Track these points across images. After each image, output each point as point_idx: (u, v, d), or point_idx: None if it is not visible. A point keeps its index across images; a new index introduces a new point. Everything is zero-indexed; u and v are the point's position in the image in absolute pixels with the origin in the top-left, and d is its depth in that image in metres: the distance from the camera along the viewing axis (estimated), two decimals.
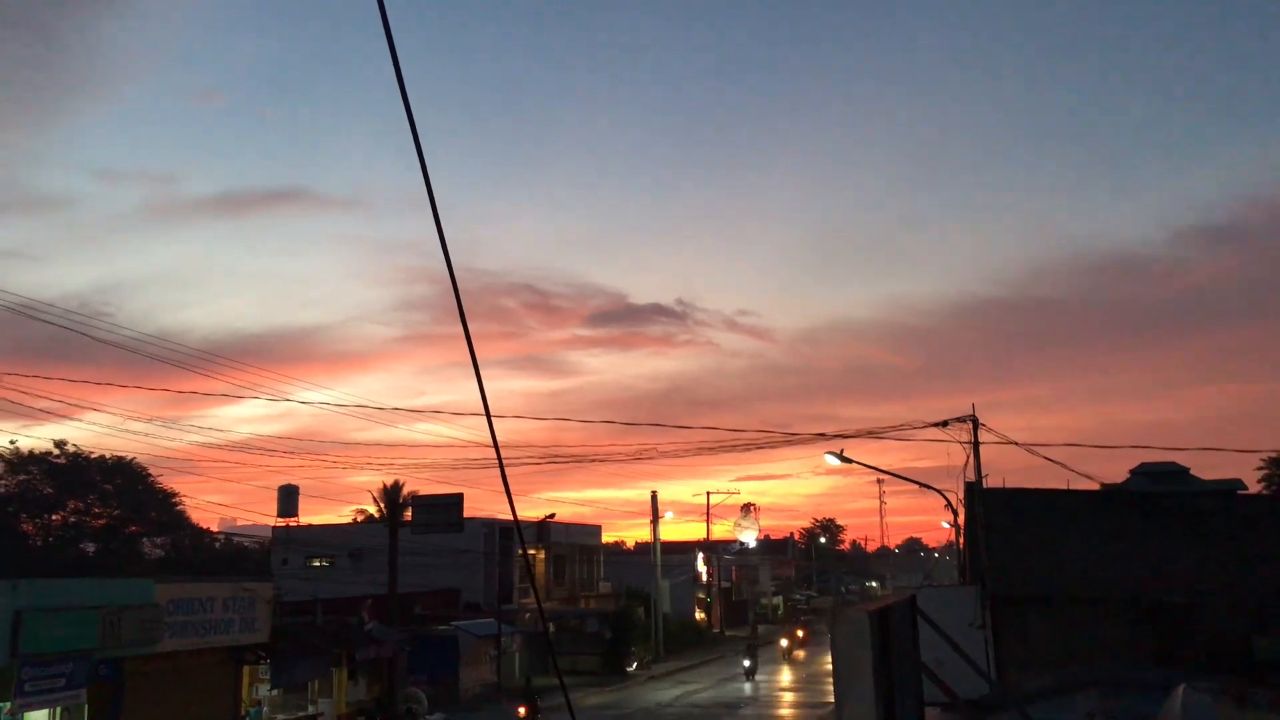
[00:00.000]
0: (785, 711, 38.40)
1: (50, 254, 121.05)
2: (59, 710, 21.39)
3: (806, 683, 46.84)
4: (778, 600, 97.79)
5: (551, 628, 48.81)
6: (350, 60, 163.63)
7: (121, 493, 52.59)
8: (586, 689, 42.27)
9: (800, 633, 66.84)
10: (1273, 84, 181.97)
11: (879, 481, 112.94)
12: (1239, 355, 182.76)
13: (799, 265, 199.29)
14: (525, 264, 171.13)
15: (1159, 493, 19.48)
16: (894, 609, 7.94)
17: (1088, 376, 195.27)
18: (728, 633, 73.56)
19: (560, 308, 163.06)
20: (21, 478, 49.72)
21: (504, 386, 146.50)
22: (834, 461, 32.30)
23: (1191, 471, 21.35)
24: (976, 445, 26.87)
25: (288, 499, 44.36)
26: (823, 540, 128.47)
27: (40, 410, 61.78)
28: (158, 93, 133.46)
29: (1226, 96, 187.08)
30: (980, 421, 27.15)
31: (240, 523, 65.05)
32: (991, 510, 17.60)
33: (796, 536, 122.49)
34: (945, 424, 27.20)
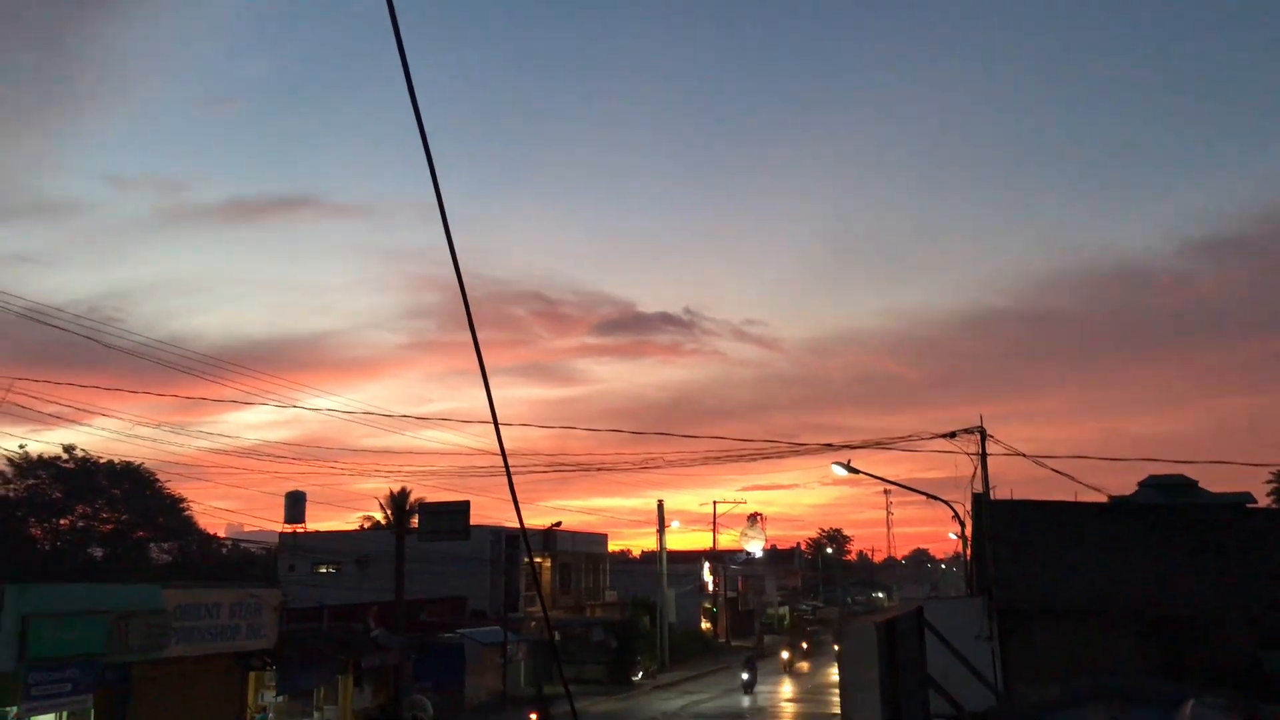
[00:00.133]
0: None
1: (61, 259, 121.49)
2: (65, 715, 21.44)
3: (809, 694, 46.55)
4: (784, 610, 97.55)
5: (557, 636, 48.75)
6: (361, 69, 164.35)
7: (130, 498, 52.77)
8: (592, 698, 42.19)
9: (804, 644, 66.52)
10: None
11: (886, 492, 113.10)
12: (1248, 368, 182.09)
13: (807, 275, 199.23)
14: (533, 272, 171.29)
15: (1167, 505, 19.42)
16: (901, 620, 7.92)
17: (1096, 388, 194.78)
18: (734, 643, 73.37)
19: (568, 316, 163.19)
20: (30, 482, 49.89)
21: (511, 394, 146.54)
22: (841, 472, 32.22)
23: (1200, 484, 21.25)
24: (984, 456, 26.77)
25: (295, 505, 44.39)
26: (829, 550, 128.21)
27: (50, 415, 62.00)
28: (169, 100, 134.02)
29: (1235, 108, 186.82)
30: (988, 433, 27.07)
31: (247, 529, 65.38)
32: (999, 522, 17.56)
33: (803, 546, 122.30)
34: (953, 435, 27.09)
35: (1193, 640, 15.47)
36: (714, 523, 71.47)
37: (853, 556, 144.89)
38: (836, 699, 42.81)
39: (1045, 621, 16.22)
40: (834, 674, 52.99)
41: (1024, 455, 27.26)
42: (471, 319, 4.07)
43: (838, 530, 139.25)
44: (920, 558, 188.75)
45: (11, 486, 49.25)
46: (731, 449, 77.95)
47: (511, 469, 4.73)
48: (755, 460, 59.35)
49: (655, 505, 60.69)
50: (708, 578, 75.49)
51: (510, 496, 4.48)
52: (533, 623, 48.02)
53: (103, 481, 51.92)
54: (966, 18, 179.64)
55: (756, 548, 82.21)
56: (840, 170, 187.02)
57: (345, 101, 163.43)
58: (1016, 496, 23.30)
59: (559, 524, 52.33)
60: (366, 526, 58.75)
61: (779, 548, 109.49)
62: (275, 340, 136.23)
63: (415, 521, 41.64)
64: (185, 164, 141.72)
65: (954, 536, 54.08)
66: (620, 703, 42.56)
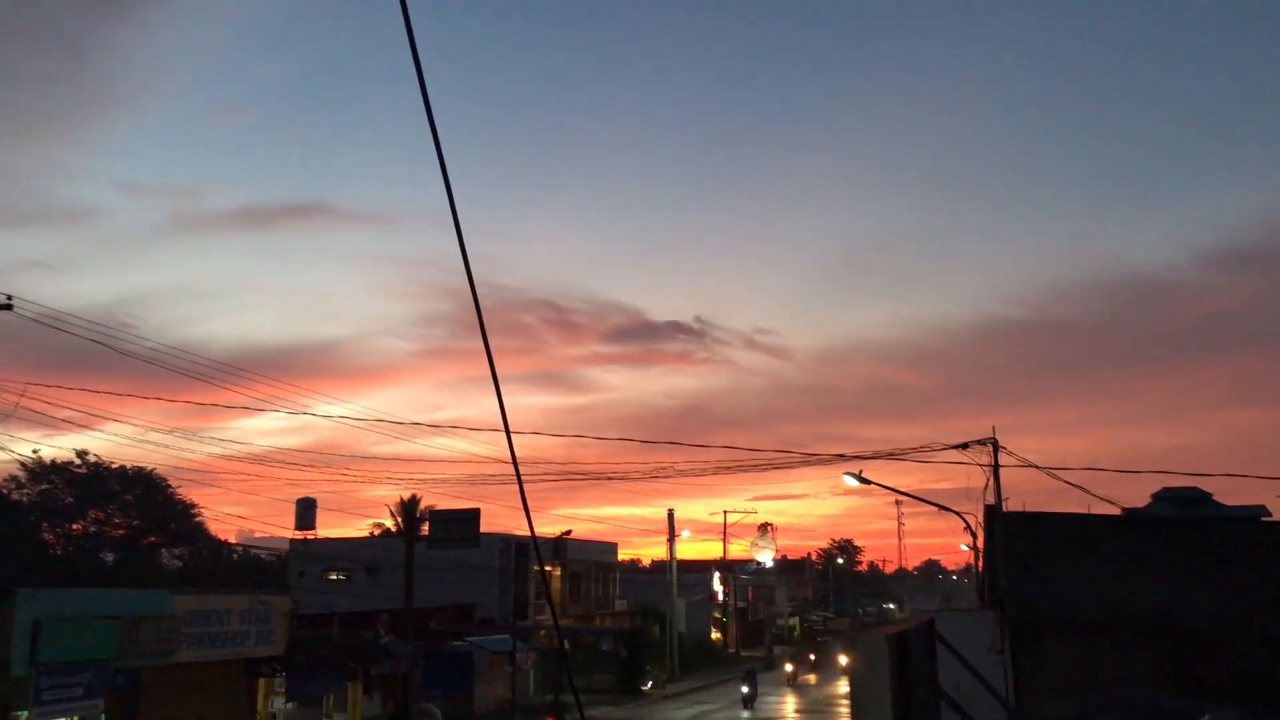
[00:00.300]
0: None
1: (75, 265, 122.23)
2: (76, 719, 21.47)
3: (814, 707, 46.17)
4: (794, 621, 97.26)
5: (567, 645, 48.67)
6: (374, 77, 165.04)
7: (141, 503, 52.92)
8: (602, 706, 42.12)
9: (811, 655, 66.09)
10: None
11: (897, 503, 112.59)
12: (1262, 379, 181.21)
13: (818, 284, 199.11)
14: (544, 280, 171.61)
15: (1181, 518, 19.28)
16: (912, 633, 7.86)
17: (1109, 399, 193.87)
18: (743, 653, 73.16)
19: (579, 324, 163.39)
20: (43, 487, 50.10)
21: (521, 402, 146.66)
22: (852, 482, 32.14)
23: (1214, 497, 21.09)
24: (996, 468, 26.69)
25: (306, 512, 44.48)
26: (840, 561, 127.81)
27: (63, 420, 62.38)
28: (183, 107, 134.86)
29: (1251, 118, 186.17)
30: (1000, 444, 26.98)
31: (258, 535, 65.32)
32: (1011, 534, 17.46)
33: (814, 557, 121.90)
34: (965, 446, 27.03)
35: (1206, 654, 15.33)
36: (724, 532, 71.40)
37: (864, 567, 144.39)
38: (842, 713, 42.79)
39: (1058, 634, 16.11)
40: (841, 687, 52.71)
41: (1037, 467, 27.17)
42: (484, 327, 4.06)
43: (849, 541, 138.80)
44: (932, 569, 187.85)
45: (24, 491, 49.46)
46: (742, 459, 77.85)
47: (521, 477, 4.71)
48: (766, 470, 59.49)
49: (665, 514, 60.72)
50: (718, 587, 75.36)
51: (521, 504, 4.47)
52: (542, 631, 47.96)
53: (115, 487, 52.11)
54: (980, 29, 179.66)
55: (767, 558, 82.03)
56: (852, 179, 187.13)
57: (358, 109, 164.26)
58: (1029, 508, 23.22)
59: (569, 532, 52.33)
60: (377, 533, 58.80)
61: (789, 558, 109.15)
62: (287, 346, 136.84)
63: (425, 529, 41.68)
64: (198, 171, 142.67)
65: (966, 548, 53.91)
66: (630, 712, 42.48)
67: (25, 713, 19.77)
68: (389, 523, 50.53)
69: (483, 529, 42.48)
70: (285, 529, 47.35)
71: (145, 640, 22.26)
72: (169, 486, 53.36)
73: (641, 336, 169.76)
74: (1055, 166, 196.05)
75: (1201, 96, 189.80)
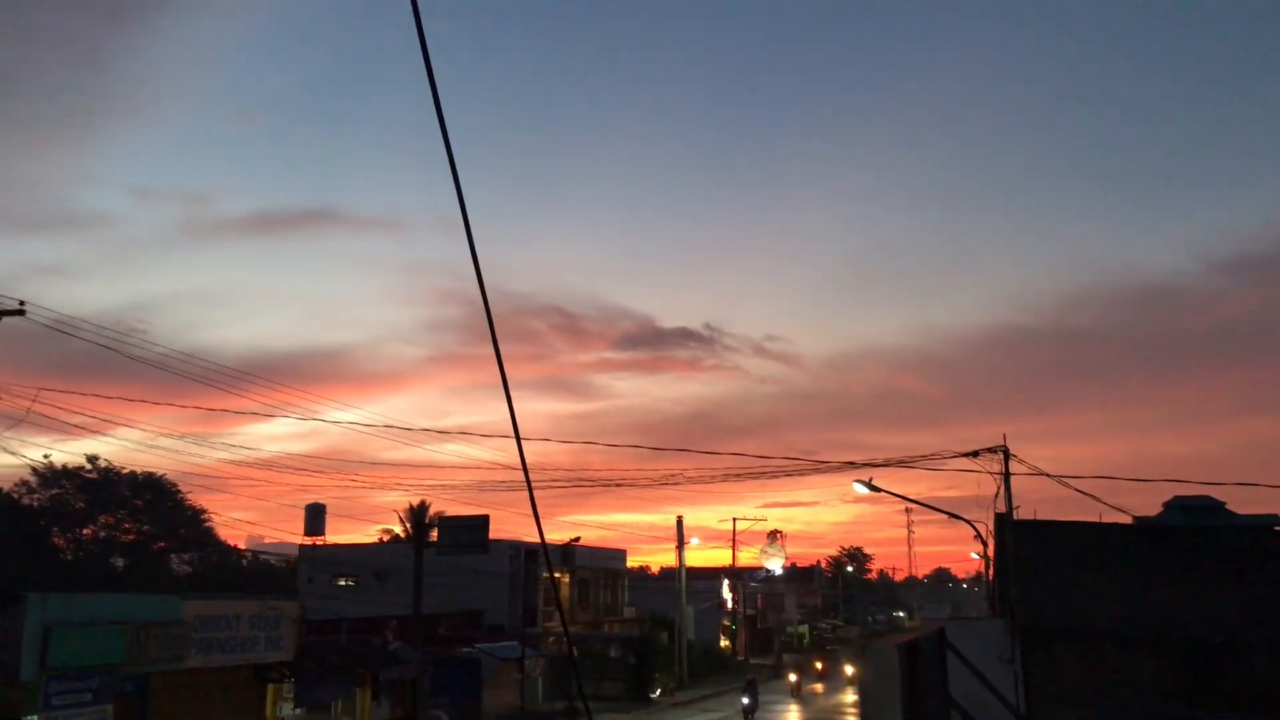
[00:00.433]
0: None
1: (86, 271, 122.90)
2: None
3: (818, 718, 45.88)
4: (804, 629, 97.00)
5: (575, 652, 48.58)
6: (384, 84, 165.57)
7: (151, 509, 53.08)
8: (610, 714, 42.01)
9: (818, 664, 65.74)
10: None
11: (907, 510, 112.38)
12: (1275, 388, 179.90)
13: (828, 291, 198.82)
14: (554, 286, 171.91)
15: (1193, 527, 19.18)
16: (923, 642, 7.83)
17: (1121, 408, 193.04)
18: (753, 660, 72.97)
19: (588, 330, 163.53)
20: (54, 492, 50.29)
21: (530, 408, 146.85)
22: (862, 490, 32.04)
23: (1227, 506, 20.99)
24: (1007, 476, 26.60)
25: (315, 518, 44.55)
26: (850, 569, 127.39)
27: (74, 425, 62.44)
28: (194, 114, 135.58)
29: (1264, 126, 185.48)
30: (1011, 452, 26.88)
31: (267, 540, 65.41)
32: (1022, 542, 17.37)
33: (823, 564, 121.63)
34: (976, 454, 26.96)
35: (1219, 665, 15.23)
36: (734, 539, 71.30)
37: (873, 575, 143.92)
38: None
39: (1069, 644, 16.01)
40: (848, 696, 52.45)
41: (1047, 475, 27.05)
42: (495, 334, 4.05)
43: (858, 548, 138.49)
44: (942, 577, 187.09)
45: (35, 496, 49.66)
46: (752, 466, 77.93)
47: (531, 483, 4.70)
48: (775, 477, 59.11)
49: (674, 521, 60.57)
50: (727, 595, 75.16)
51: (531, 511, 4.45)
52: (550, 638, 47.89)
53: (125, 492, 52.26)
54: (992, 35, 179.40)
55: (776, 565, 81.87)
56: (863, 185, 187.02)
57: (368, 115, 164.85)
58: (1040, 516, 23.10)
59: (578, 539, 52.25)
60: (385, 539, 58.85)
61: (799, 565, 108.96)
62: (297, 352, 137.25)
63: (434, 535, 41.69)
64: (209, 177, 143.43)
65: (976, 556, 53.60)
66: (638, 719, 42.37)
67: (35, 718, 19.81)
68: (398, 529, 50.62)
69: (492, 535, 42.47)
70: (294, 535, 47.51)
71: (154, 645, 22.29)
72: (179, 492, 53.54)
73: (651, 343, 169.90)
74: (1067, 174, 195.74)
75: (1213, 105, 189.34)
